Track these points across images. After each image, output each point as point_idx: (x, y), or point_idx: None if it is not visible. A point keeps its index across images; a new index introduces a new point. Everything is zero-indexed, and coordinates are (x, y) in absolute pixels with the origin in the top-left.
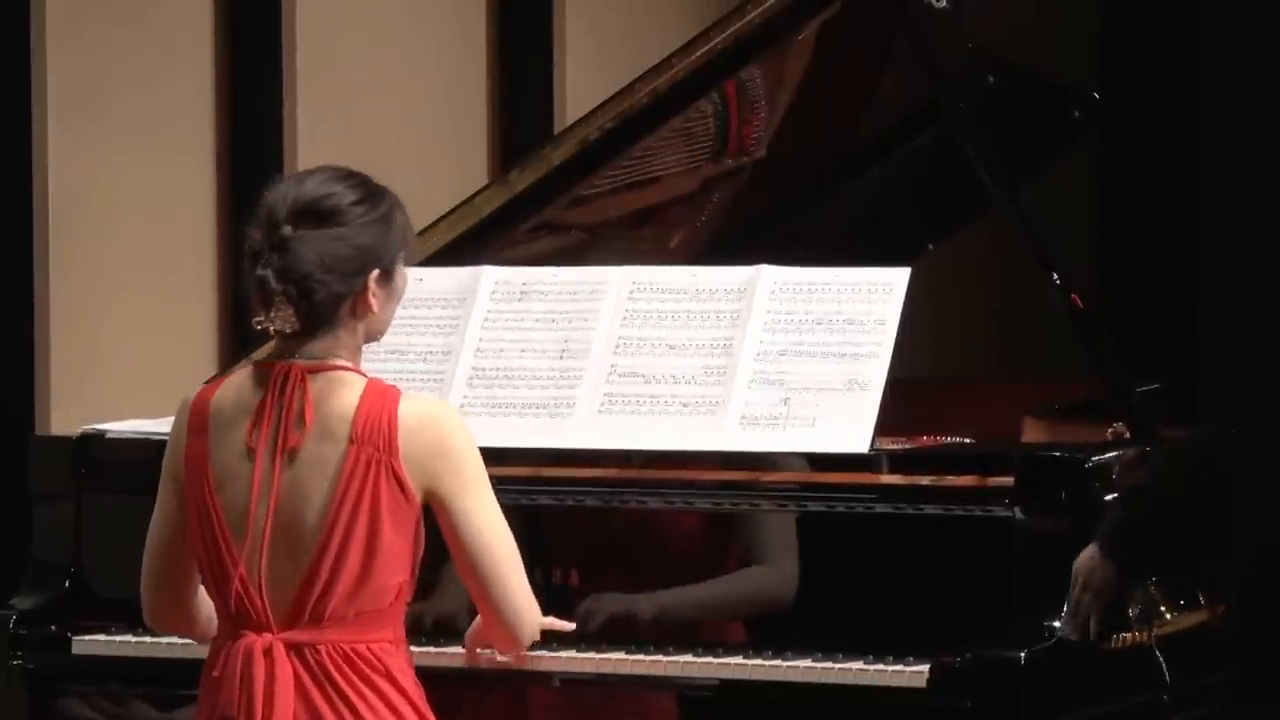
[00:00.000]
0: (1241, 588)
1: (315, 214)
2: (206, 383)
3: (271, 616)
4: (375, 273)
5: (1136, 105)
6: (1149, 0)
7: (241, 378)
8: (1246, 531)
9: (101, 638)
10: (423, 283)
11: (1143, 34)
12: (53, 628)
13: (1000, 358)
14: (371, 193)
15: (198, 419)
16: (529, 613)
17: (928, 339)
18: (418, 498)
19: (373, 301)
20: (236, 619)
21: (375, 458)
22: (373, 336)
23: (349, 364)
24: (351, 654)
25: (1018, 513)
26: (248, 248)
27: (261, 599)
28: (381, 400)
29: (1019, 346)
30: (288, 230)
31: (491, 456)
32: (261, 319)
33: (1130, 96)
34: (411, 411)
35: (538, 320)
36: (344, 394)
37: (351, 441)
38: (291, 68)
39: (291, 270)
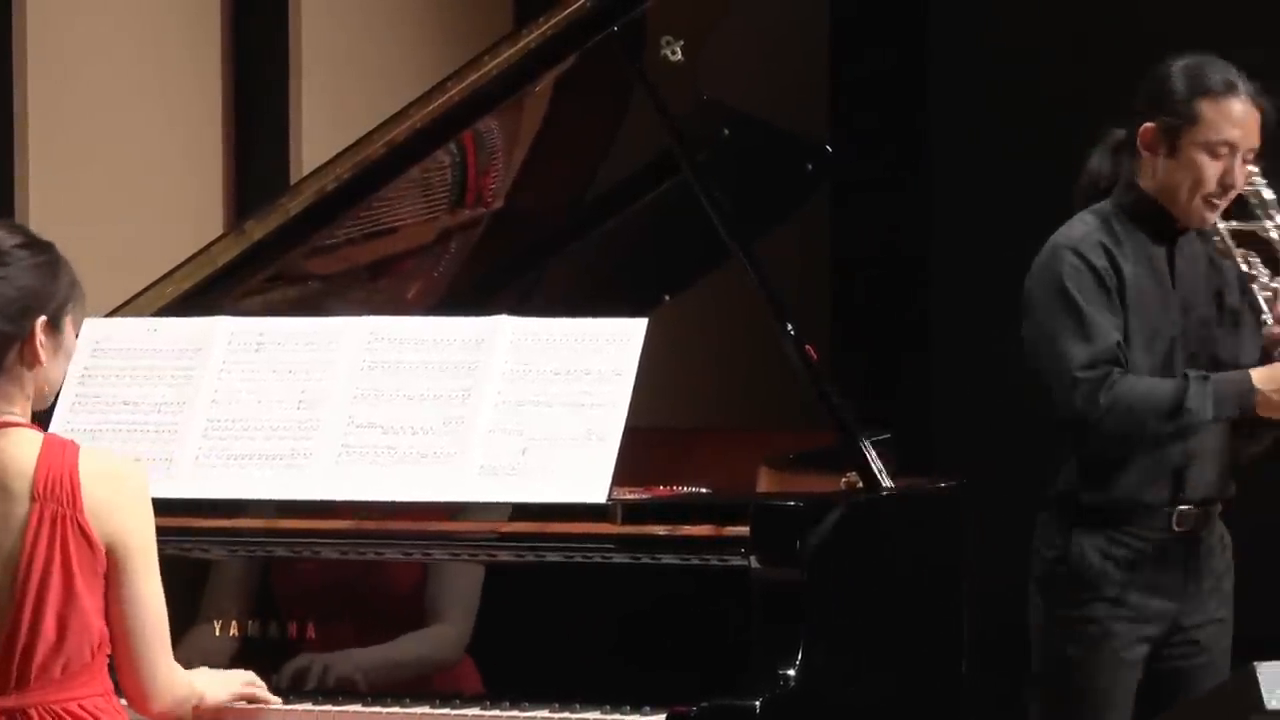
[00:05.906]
0: (973, 636)
1: None
2: None
3: None
4: (42, 319)
5: (869, 158)
6: (878, 52)
7: None
8: (977, 581)
9: None
10: (157, 333)
11: (873, 84)
12: None
13: (735, 407)
14: (35, 241)
15: None
16: (166, 682)
17: (665, 389)
18: (103, 549)
19: (41, 352)
20: None
21: (60, 514)
22: (43, 394)
23: (23, 419)
24: (63, 714)
25: (753, 562)
26: None
27: None
28: (61, 455)
29: (754, 396)
30: None
31: (227, 508)
32: None
33: (862, 149)
34: (93, 464)
35: (274, 371)
36: (21, 451)
37: (34, 499)
38: (24, 116)
39: None
